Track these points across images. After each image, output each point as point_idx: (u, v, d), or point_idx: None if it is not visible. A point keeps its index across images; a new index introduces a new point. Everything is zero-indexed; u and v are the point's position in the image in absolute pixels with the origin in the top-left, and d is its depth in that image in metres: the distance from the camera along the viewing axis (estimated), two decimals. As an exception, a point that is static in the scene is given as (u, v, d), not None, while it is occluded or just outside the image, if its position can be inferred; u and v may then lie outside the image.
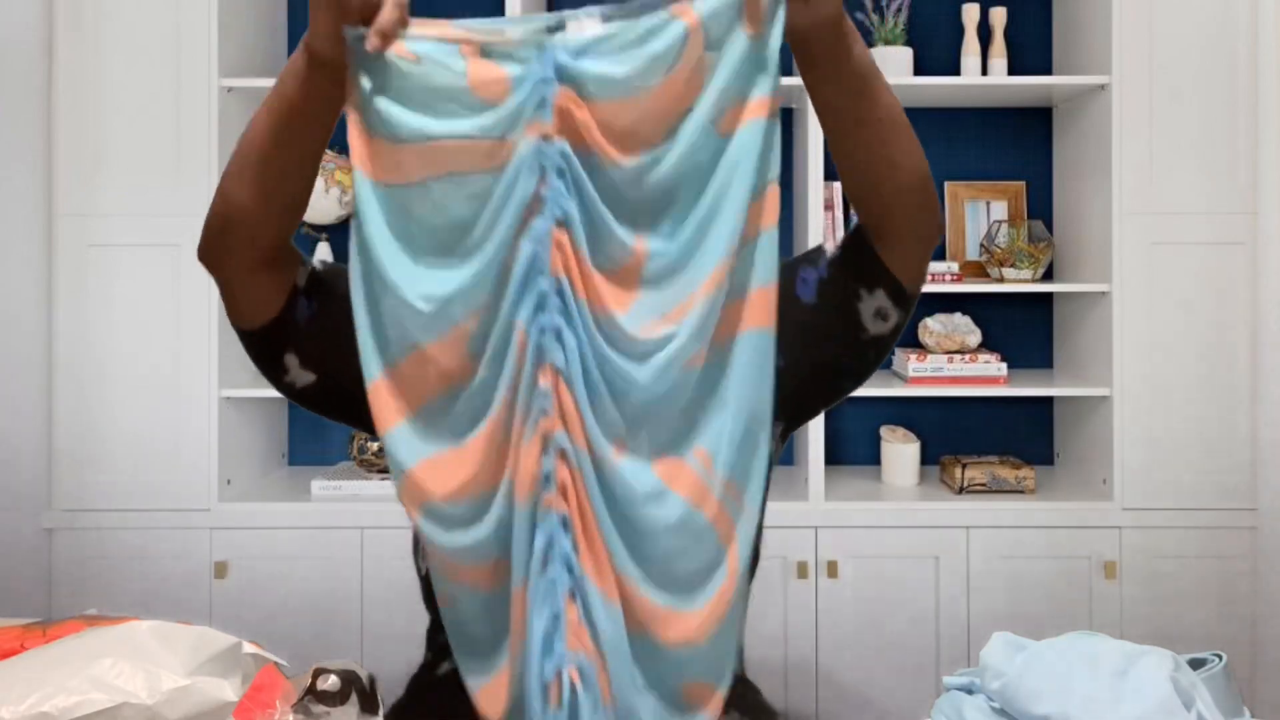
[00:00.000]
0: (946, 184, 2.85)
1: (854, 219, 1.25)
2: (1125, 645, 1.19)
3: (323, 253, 2.75)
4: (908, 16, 2.69)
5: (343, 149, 2.83)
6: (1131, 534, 2.45)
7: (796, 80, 2.76)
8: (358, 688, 0.93)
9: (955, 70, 2.77)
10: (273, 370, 1.23)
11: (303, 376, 1.23)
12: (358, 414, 1.18)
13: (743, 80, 1.04)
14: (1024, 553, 2.47)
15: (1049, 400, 2.87)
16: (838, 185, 2.63)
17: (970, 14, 2.62)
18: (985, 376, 2.56)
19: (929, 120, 2.86)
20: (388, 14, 1.00)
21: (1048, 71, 2.84)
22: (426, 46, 1.03)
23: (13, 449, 2.52)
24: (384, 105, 1.03)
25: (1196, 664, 1.23)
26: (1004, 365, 2.57)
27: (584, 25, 1.02)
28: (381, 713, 0.94)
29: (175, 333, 2.49)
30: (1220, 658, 1.22)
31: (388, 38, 1.01)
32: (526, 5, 2.54)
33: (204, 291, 2.48)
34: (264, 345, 1.21)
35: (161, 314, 2.49)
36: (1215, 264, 2.47)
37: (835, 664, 2.46)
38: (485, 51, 1.03)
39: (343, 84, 1.05)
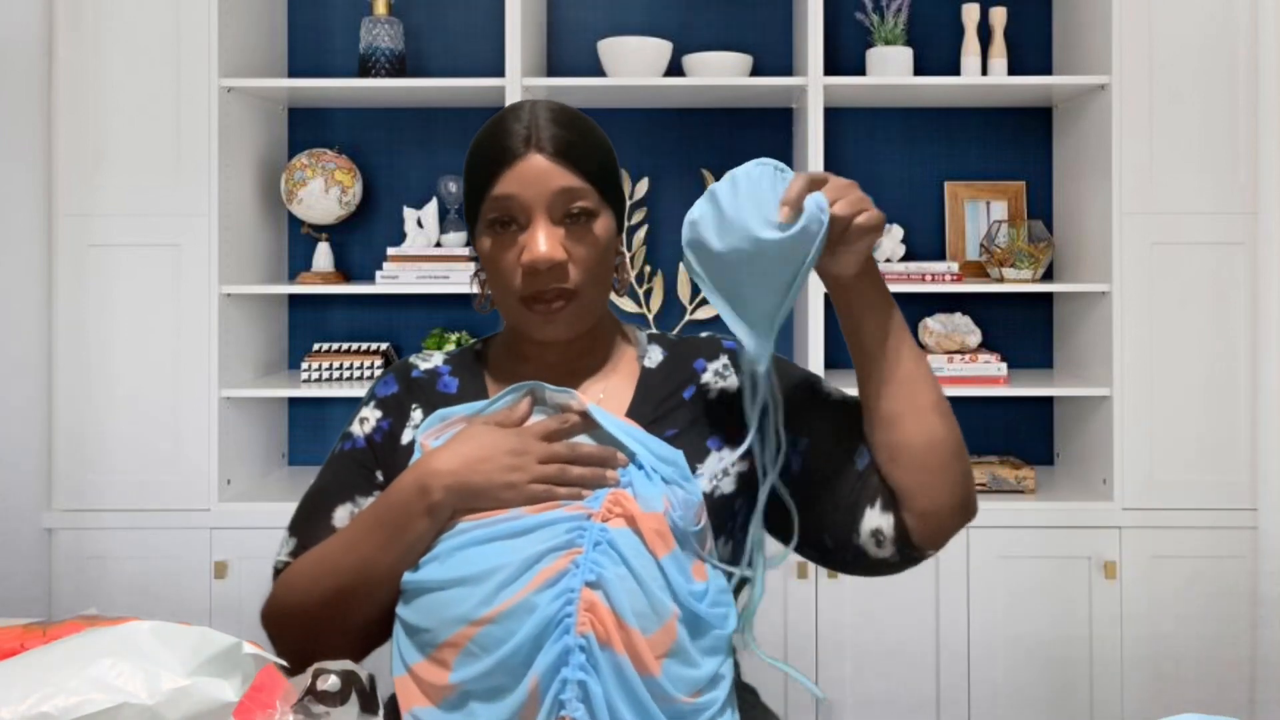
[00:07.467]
0: (946, 184, 2.85)
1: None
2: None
3: (323, 253, 2.74)
4: (908, 16, 2.69)
5: (342, 148, 2.84)
6: (1131, 534, 2.45)
7: (798, 80, 2.74)
8: (358, 688, 0.93)
9: (955, 70, 2.77)
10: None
11: None
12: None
13: None
14: (1024, 553, 2.47)
15: (1049, 400, 2.86)
16: (838, 185, 2.63)
17: (970, 14, 2.62)
18: (985, 376, 2.56)
19: (929, 120, 2.86)
20: None
21: (1048, 71, 2.83)
22: None
23: (13, 449, 2.53)
24: None
25: None
26: (1004, 365, 2.56)
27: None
28: (381, 712, 0.94)
29: (175, 333, 2.49)
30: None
31: None
32: (526, 16, 2.54)
33: (204, 291, 2.48)
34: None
35: (161, 314, 2.49)
36: (1215, 264, 2.47)
37: (835, 664, 2.46)
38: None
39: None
